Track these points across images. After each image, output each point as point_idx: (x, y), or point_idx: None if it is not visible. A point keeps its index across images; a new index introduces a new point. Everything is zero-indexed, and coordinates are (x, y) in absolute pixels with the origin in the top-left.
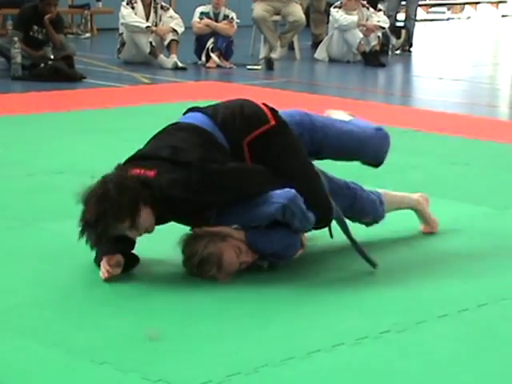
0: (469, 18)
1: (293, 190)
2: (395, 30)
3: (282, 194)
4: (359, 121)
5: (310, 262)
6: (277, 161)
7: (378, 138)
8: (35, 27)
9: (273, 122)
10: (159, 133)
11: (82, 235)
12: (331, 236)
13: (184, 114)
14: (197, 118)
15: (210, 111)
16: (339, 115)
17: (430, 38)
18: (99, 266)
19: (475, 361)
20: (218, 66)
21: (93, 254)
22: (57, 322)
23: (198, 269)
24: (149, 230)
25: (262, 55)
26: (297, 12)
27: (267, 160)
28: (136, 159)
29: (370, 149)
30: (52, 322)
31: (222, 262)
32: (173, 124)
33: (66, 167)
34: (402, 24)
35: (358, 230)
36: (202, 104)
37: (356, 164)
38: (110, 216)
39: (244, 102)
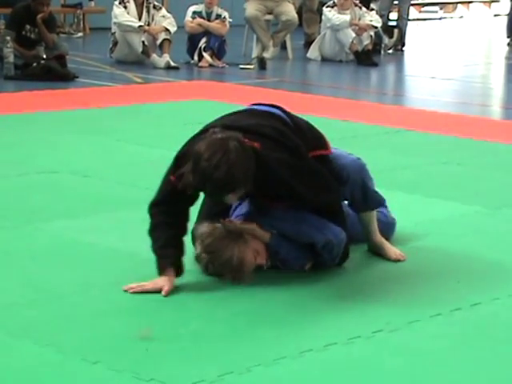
0: (461, 17)
1: (344, 233)
2: (388, 30)
3: (336, 232)
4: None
5: None
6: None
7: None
8: (28, 26)
9: (329, 150)
10: (247, 112)
11: (202, 186)
12: None
13: (258, 104)
14: (280, 114)
15: (287, 112)
16: None
17: (422, 37)
18: (158, 257)
19: (468, 360)
20: (211, 66)
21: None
22: (49, 322)
23: (217, 267)
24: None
25: (254, 54)
26: (289, 11)
27: None
28: (234, 129)
29: None
30: (44, 322)
31: (243, 266)
32: (259, 110)
33: (58, 167)
34: (394, 23)
35: None
36: (198, 103)
37: None
38: (237, 174)
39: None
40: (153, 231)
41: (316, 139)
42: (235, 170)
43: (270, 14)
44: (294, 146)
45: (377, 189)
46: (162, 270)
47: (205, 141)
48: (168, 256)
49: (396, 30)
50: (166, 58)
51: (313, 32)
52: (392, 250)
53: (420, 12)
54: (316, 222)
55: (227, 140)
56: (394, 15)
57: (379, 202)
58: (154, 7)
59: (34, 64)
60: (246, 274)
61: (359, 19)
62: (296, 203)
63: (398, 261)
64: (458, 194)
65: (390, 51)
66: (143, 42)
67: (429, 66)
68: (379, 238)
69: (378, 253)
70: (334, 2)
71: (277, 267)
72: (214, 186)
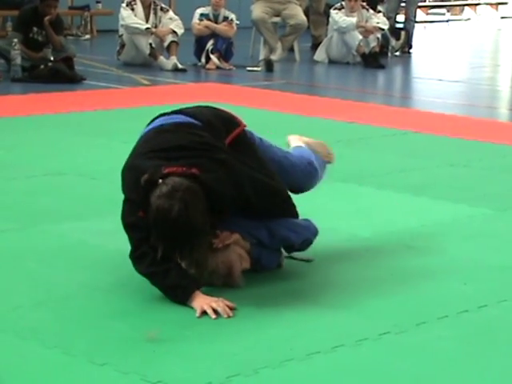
0: (468, 19)
1: (314, 224)
2: (395, 32)
3: (310, 227)
4: (303, 151)
5: (308, 264)
6: (256, 163)
7: (306, 172)
8: (35, 29)
9: (244, 124)
10: (162, 130)
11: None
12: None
13: (156, 118)
14: (186, 119)
15: (190, 113)
16: (294, 141)
17: (429, 39)
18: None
19: (475, 362)
20: (218, 68)
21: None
22: (57, 324)
23: (207, 277)
24: None
25: (261, 57)
26: (298, 15)
27: (248, 161)
28: (164, 151)
29: (294, 179)
30: (52, 324)
31: (231, 271)
32: (169, 125)
33: (65, 169)
34: (401, 25)
35: (356, 231)
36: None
37: (356, 166)
38: (199, 225)
39: (215, 108)
40: (156, 278)
41: (226, 122)
42: (196, 223)
43: (277, 16)
44: (223, 158)
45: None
46: (191, 294)
47: (157, 200)
48: (191, 281)
49: (403, 33)
50: (174, 60)
51: (320, 34)
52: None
53: (427, 14)
54: (288, 224)
55: (175, 192)
56: (401, 17)
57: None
58: (162, 9)
59: (42, 66)
60: (236, 278)
61: (366, 21)
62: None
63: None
64: (465, 196)
65: (397, 53)
66: (150, 44)
67: (436, 68)
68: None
69: None
70: (341, 5)
71: (255, 270)
72: (181, 245)
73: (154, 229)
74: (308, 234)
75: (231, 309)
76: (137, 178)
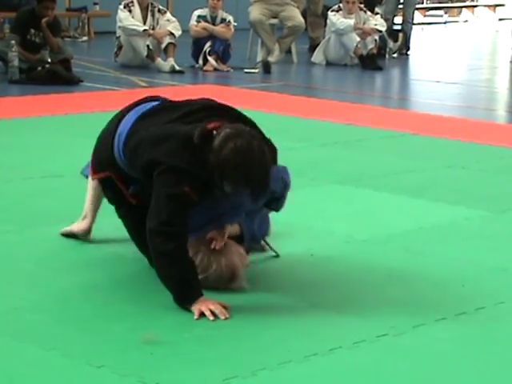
0: (466, 21)
1: (282, 165)
2: (392, 34)
3: (282, 169)
4: None
5: (305, 267)
6: None
7: None
8: (32, 30)
9: None
10: (160, 109)
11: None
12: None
13: (137, 104)
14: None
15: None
16: None
17: (427, 41)
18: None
19: (473, 364)
20: (216, 70)
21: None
22: (54, 326)
23: (213, 283)
24: None
25: (259, 58)
26: (296, 16)
27: None
28: (191, 114)
29: None
30: (49, 326)
31: (236, 275)
32: (154, 106)
33: (63, 170)
34: (399, 27)
35: (354, 233)
36: None
37: (353, 168)
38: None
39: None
40: (177, 263)
41: None
42: (269, 162)
43: (274, 18)
44: (246, 118)
45: None
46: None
47: (228, 143)
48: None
49: (401, 34)
50: (171, 61)
51: (317, 36)
52: None
53: (425, 16)
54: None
55: (243, 132)
56: (398, 19)
57: None
58: (159, 11)
59: (39, 68)
60: (242, 281)
61: (364, 23)
62: None
63: None
64: (463, 198)
65: (395, 55)
66: (148, 46)
67: (434, 69)
68: None
69: None
70: (338, 6)
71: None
72: (266, 186)
73: (235, 173)
74: (285, 177)
75: (226, 308)
76: (178, 143)
